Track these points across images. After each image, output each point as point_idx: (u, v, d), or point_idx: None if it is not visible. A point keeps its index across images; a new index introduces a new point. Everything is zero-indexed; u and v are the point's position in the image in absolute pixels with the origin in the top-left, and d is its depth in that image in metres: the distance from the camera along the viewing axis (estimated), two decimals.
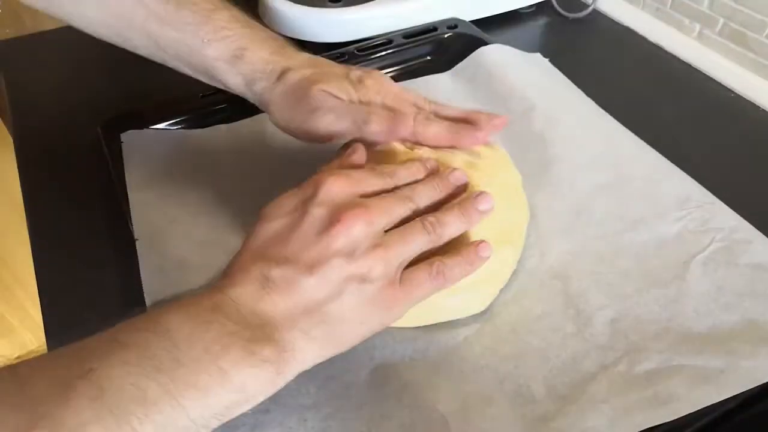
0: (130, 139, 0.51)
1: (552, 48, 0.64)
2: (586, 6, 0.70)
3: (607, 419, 0.32)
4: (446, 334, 0.38)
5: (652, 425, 0.32)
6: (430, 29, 0.63)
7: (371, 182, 0.34)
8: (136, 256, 0.41)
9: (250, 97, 0.44)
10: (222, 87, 0.44)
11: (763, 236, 0.42)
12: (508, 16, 0.70)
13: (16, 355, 1.25)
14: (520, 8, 0.70)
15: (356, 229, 0.31)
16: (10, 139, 0.60)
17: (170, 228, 0.44)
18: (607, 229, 0.43)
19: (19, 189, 0.50)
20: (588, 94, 0.55)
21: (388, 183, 0.35)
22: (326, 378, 0.35)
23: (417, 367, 0.36)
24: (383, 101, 0.42)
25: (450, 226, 0.35)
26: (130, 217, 0.44)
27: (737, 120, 0.57)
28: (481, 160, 0.41)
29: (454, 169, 0.38)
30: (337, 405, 0.34)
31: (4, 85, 0.62)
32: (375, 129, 0.40)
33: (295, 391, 0.35)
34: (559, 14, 0.71)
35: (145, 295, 0.39)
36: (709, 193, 0.45)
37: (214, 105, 0.55)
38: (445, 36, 0.63)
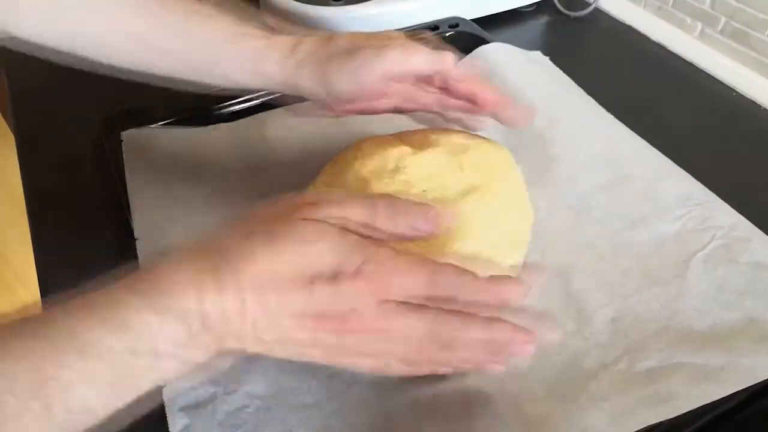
0: (130, 137, 0.51)
1: (553, 46, 0.64)
2: (588, 4, 0.70)
3: (607, 417, 0.33)
4: None
5: (653, 423, 0.32)
6: (431, 28, 0.63)
7: (409, 291, 0.30)
8: (137, 254, 0.41)
9: (286, 71, 0.39)
10: (252, 76, 0.41)
11: (763, 234, 0.42)
12: (510, 14, 0.70)
13: None
14: (521, 7, 0.70)
15: (332, 337, 0.29)
16: (11, 137, 0.60)
17: (170, 226, 0.44)
18: (608, 227, 0.43)
19: (21, 186, 0.50)
20: (589, 92, 0.55)
21: (433, 296, 0.30)
22: (328, 376, 0.35)
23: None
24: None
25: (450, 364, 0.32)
26: (131, 215, 0.44)
27: (738, 119, 0.57)
28: (485, 161, 0.41)
29: (525, 333, 0.31)
30: (339, 403, 0.34)
31: (6, 82, 0.62)
32: (454, 64, 0.39)
33: (296, 390, 0.35)
34: (561, 13, 0.71)
35: None
36: (709, 192, 0.45)
37: (215, 103, 0.55)
38: (447, 34, 0.62)
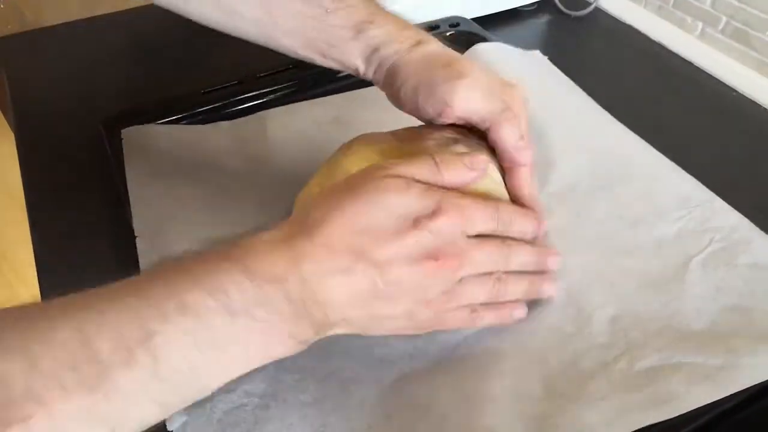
0: (130, 135, 0.51)
1: (553, 46, 0.64)
2: (588, 4, 0.70)
3: (606, 417, 0.33)
4: (447, 332, 0.38)
5: (652, 423, 0.32)
6: (432, 27, 0.63)
7: (481, 224, 0.34)
8: (137, 253, 0.41)
9: (371, 68, 0.40)
10: (335, 64, 0.41)
11: (764, 235, 0.42)
12: (510, 14, 0.70)
13: None
14: (521, 6, 0.70)
15: (441, 275, 0.32)
16: (11, 135, 0.60)
17: (170, 224, 0.44)
18: (607, 228, 0.43)
19: (20, 184, 0.50)
20: (589, 92, 0.55)
21: (496, 229, 0.35)
22: (326, 375, 0.35)
23: (417, 365, 0.36)
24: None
25: (512, 294, 0.36)
26: (131, 213, 0.44)
27: (739, 118, 0.57)
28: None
29: (557, 253, 0.38)
30: (338, 402, 0.34)
31: (6, 80, 0.62)
32: (509, 134, 0.38)
33: (295, 388, 0.35)
34: (561, 12, 0.71)
35: None
36: (709, 192, 0.45)
37: (216, 101, 0.55)
38: (447, 34, 0.62)
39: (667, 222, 0.43)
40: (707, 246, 0.41)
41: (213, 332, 0.28)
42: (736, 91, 0.59)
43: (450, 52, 0.40)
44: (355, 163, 0.38)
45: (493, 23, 0.67)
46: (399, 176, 0.32)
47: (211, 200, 0.46)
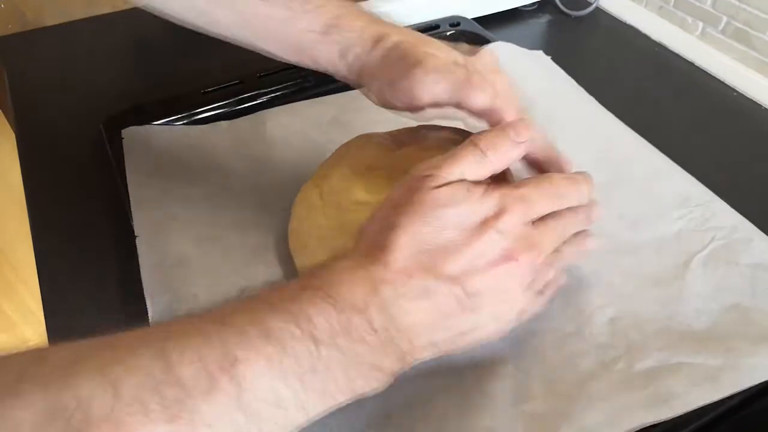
0: (131, 135, 0.51)
1: (554, 46, 0.64)
2: (589, 4, 0.70)
3: (606, 417, 0.32)
4: None
5: (652, 423, 0.32)
6: (432, 27, 0.63)
7: (545, 208, 0.34)
8: (137, 252, 0.42)
9: (343, 70, 0.40)
10: (310, 64, 0.41)
11: (764, 235, 0.42)
12: (511, 13, 0.70)
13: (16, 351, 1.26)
14: (522, 6, 0.70)
15: (522, 270, 0.32)
16: (12, 134, 0.60)
17: (170, 224, 0.44)
18: (608, 228, 0.43)
19: (21, 184, 0.50)
20: (590, 92, 0.55)
21: (557, 205, 0.34)
22: None
23: (417, 365, 0.36)
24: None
25: (568, 259, 0.36)
26: (131, 213, 0.44)
27: (739, 119, 0.57)
28: None
29: (596, 203, 0.37)
30: None
31: (7, 80, 0.63)
32: (479, 98, 0.36)
33: None
34: (562, 12, 0.71)
35: (144, 291, 0.39)
36: (709, 192, 0.45)
37: (216, 101, 0.55)
38: (448, 33, 0.62)
39: (668, 222, 0.43)
40: (707, 246, 0.41)
41: (298, 361, 0.27)
42: (736, 91, 0.59)
43: (408, 40, 0.38)
44: (350, 166, 0.38)
45: (494, 23, 0.67)
46: (449, 183, 0.31)
47: (211, 200, 0.46)
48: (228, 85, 0.56)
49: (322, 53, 0.40)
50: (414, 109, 0.38)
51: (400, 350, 0.30)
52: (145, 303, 0.38)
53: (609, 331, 0.37)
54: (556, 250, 0.35)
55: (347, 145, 0.41)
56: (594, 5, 0.70)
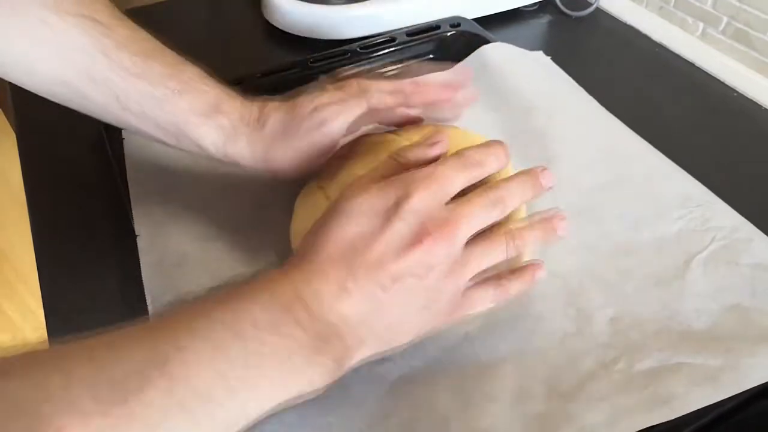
0: (131, 135, 0.51)
1: (554, 46, 0.64)
2: (589, 4, 0.70)
3: (606, 417, 0.33)
4: (447, 331, 0.37)
5: (652, 424, 0.32)
6: (433, 27, 0.63)
7: (458, 180, 0.33)
8: (138, 252, 0.42)
9: (226, 154, 0.40)
10: (191, 147, 0.40)
11: (764, 235, 0.42)
12: (511, 14, 0.70)
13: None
14: (522, 6, 0.70)
15: (437, 249, 0.31)
16: (12, 134, 0.60)
17: (171, 223, 0.44)
18: (608, 228, 0.43)
19: (22, 184, 0.50)
20: (590, 92, 0.55)
21: (476, 175, 0.34)
22: None
23: (417, 365, 0.36)
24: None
25: (530, 243, 0.34)
26: (131, 213, 0.44)
27: (739, 119, 0.57)
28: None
29: (544, 168, 0.36)
30: (337, 402, 0.34)
31: (7, 80, 0.62)
32: (379, 99, 0.39)
33: None
34: (562, 12, 0.71)
35: (145, 290, 0.39)
36: (709, 192, 0.45)
37: None
38: (448, 34, 0.62)
39: (668, 222, 0.43)
40: (707, 246, 0.41)
41: (229, 357, 0.27)
42: (736, 91, 0.59)
43: (290, 105, 0.40)
44: (355, 166, 0.38)
45: (494, 23, 0.67)
46: (361, 182, 0.33)
47: (212, 199, 0.46)
48: (228, 86, 0.56)
49: (205, 136, 0.40)
50: (320, 160, 0.40)
51: (333, 347, 0.30)
52: (145, 303, 0.38)
53: (609, 331, 0.37)
54: (510, 232, 0.33)
55: (350, 145, 0.41)
56: (594, 6, 0.70)
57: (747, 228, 0.42)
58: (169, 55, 0.40)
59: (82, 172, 0.52)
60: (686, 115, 0.57)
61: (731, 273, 0.40)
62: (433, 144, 0.35)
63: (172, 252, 0.42)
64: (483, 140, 0.43)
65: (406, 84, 0.41)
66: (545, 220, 0.35)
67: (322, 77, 0.45)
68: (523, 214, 0.37)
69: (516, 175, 0.35)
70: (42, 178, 0.51)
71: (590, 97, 0.55)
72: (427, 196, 0.31)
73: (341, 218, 0.31)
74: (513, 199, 0.34)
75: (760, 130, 0.56)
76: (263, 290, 0.30)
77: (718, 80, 0.61)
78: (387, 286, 0.30)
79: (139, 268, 0.40)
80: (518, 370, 0.35)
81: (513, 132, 0.49)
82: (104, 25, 0.38)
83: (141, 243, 0.42)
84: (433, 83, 0.41)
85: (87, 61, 0.37)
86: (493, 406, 0.34)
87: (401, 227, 0.31)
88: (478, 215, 0.32)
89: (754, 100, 0.58)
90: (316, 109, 0.39)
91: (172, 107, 0.39)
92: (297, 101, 0.40)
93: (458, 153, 0.34)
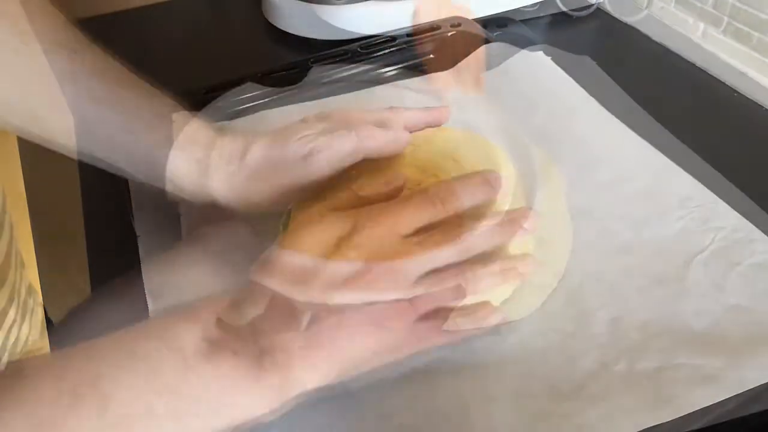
0: None
1: (555, 46, 0.64)
2: (590, 5, 0.70)
3: (606, 418, 0.32)
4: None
5: (652, 425, 0.32)
6: (433, 28, 0.63)
7: (416, 216, 0.32)
8: (138, 253, 0.42)
9: (202, 187, 0.38)
10: (162, 181, 0.38)
11: (764, 235, 0.42)
12: (512, 14, 0.70)
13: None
14: (523, 6, 0.70)
15: (379, 284, 0.31)
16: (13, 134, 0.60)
17: (172, 224, 0.44)
18: (609, 228, 0.43)
19: (22, 184, 0.50)
20: (590, 92, 0.55)
21: (443, 211, 0.33)
22: None
23: (417, 365, 0.36)
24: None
25: (485, 286, 0.34)
26: (132, 213, 0.44)
27: (740, 119, 0.57)
28: (481, 155, 0.41)
29: (529, 209, 0.35)
30: (338, 403, 0.34)
31: None
32: (367, 131, 0.37)
33: None
34: (563, 13, 0.70)
35: (146, 291, 0.39)
36: (710, 193, 0.45)
37: (216, 101, 0.55)
38: (449, 34, 0.62)
39: (668, 222, 0.43)
40: (708, 246, 0.41)
41: (165, 376, 0.27)
42: (737, 91, 0.59)
43: (273, 139, 0.38)
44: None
45: (494, 23, 0.67)
46: (320, 211, 0.33)
47: None
48: (228, 85, 0.56)
49: (180, 167, 0.37)
50: (304, 193, 0.38)
51: (277, 372, 0.29)
52: (145, 303, 0.38)
53: (609, 331, 0.37)
54: (464, 270, 0.32)
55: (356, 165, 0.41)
56: (595, 6, 0.70)
57: (748, 228, 0.42)
58: (142, 86, 0.38)
59: (83, 173, 0.52)
60: (686, 115, 0.57)
61: (732, 273, 0.40)
62: (389, 185, 0.35)
63: (173, 252, 0.42)
64: (483, 140, 0.43)
65: (385, 111, 0.40)
66: (509, 269, 0.35)
67: (314, 68, 0.44)
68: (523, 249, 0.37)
69: (496, 215, 0.34)
70: (42, 179, 0.51)
71: (590, 98, 0.55)
72: (377, 232, 0.31)
73: (292, 245, 0.32)
74: (481, 245, 0.33)
75: (760, 131, 0.55)
76: (206, 308, 0.30)
77: (719, 80, 0.61)
78: (323, 318, 0.30)
79: (140, 269, 0.40)
80: (518, 369, 0.35)
81: (513, 132, 0.49)
82: (75, 51, 0.37)
83: (142, 244, 0.42)
84: (414, 111, 0.40)
85: (54, 88, 0.36)
86: (493, 406, 0.34)
87: (346, 260, 0.30)
88: (434, 255, 0.32)
89: (754, 100, 0.58)
90: (301, 140, 0.37)
91: (145, 138, 0.37)
92: (282, 134, 0.39)
93: (424, 188, 0.34)
